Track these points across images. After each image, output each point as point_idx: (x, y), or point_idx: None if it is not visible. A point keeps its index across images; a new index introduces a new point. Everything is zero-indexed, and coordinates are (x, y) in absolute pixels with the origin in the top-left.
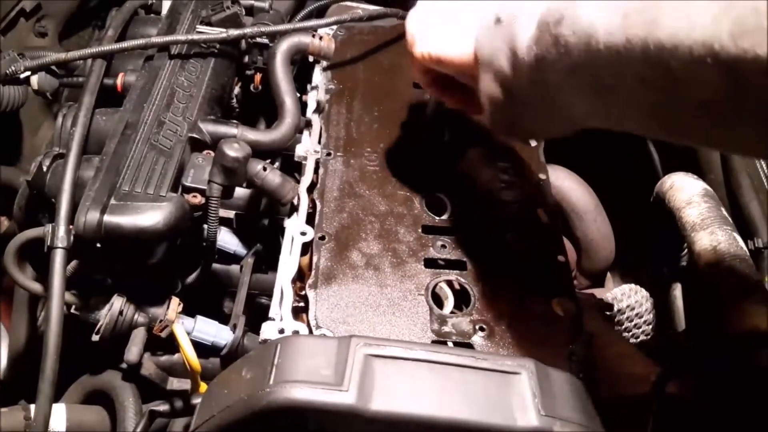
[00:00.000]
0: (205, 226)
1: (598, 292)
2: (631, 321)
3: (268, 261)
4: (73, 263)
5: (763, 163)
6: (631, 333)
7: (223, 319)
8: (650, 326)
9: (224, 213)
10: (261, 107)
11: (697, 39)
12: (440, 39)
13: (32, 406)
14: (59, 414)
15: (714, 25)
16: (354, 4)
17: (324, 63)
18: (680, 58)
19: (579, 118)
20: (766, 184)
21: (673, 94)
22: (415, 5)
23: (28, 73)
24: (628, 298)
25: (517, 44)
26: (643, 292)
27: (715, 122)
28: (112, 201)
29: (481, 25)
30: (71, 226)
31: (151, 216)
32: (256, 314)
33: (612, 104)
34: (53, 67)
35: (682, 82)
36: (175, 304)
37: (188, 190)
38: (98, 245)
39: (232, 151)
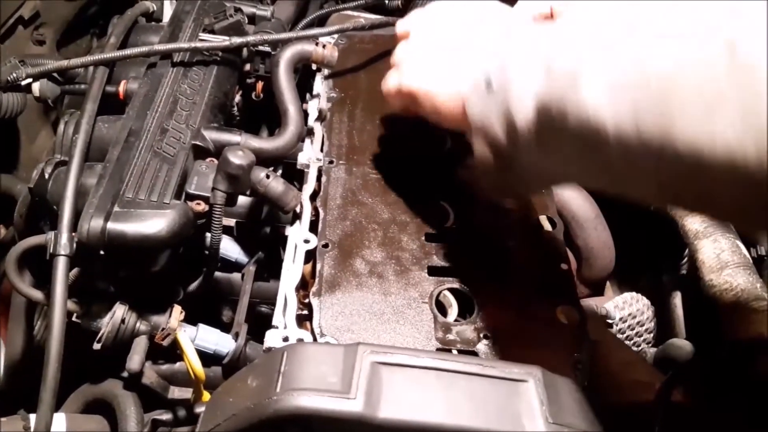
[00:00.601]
0: (208, 234)
1: (598, 301)
2: (633, 329)
3: (269, 269)
4: (75, 271)
5: None
6: (632, 341)
7: (224, 327)
8: (651, 334)
9: (226, 221)
10: (263, 116)
11: (720, 156)
12: (429, 80)
13: (32, 416)
14: (59, 423)
15: (739, 143)
16: (354, 14)
17: (325, 72)
18: (701, 172)
19: (581, 183)
20: None
21: (694, 199)
22: (409, 32)
23: (29, 80)
24: (629, 307)
25: (514, 119)
26: (644, 300)
27: (736, 219)
28: (116, 208)
29: (472, 86)
30: (74, 234)
31: (155, 223)
32: (257, 323)
33: (621, 182)
34: (55, 74)
35: (705, 196)
36: (178, 312)
37: (192, 197)
38: (101, 253)
39: (236, 158)
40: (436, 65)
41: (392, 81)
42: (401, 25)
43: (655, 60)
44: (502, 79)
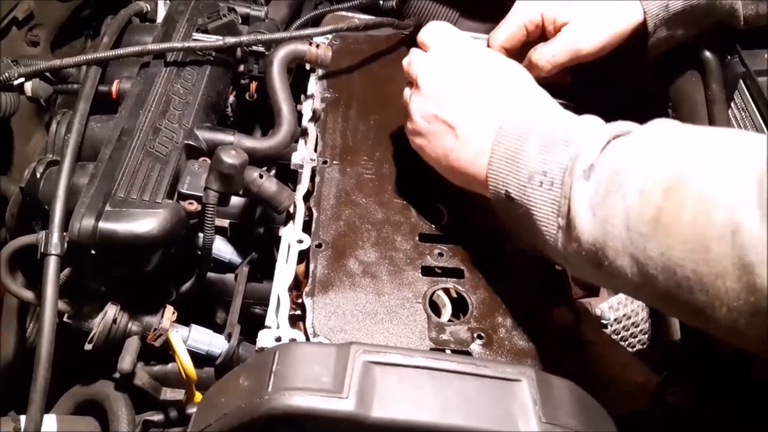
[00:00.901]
0: (201, 234)
1: (593, 301)
2: (627, 330)
3: (263, 270)
4: (66, 271)
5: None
6: (627, 342)
7: (217, 328)
8: (646, 335)
9: (218, 222)
10: (256, 116)
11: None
12: (460, 122)
13: (22, 418)
14: (49, 424)
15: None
16: (349, 14)
17: (319, 72)
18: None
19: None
20: None
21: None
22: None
23: (21, 79)
24: (624, 307)
25: (573, 229)
26: (639, 301)
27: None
28: (108, 207)
29: (516, 177)
30: (65, 233)
31: (147, 223)
32: (250, 324)
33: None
34: (47, 74)
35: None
36: (170, 312)
37: (184, 197)
38: (93, 252)
39: (229, 157)
40: (475, 108)
41: (422, 105)
42: (426, 36)
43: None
44: (563, 185)
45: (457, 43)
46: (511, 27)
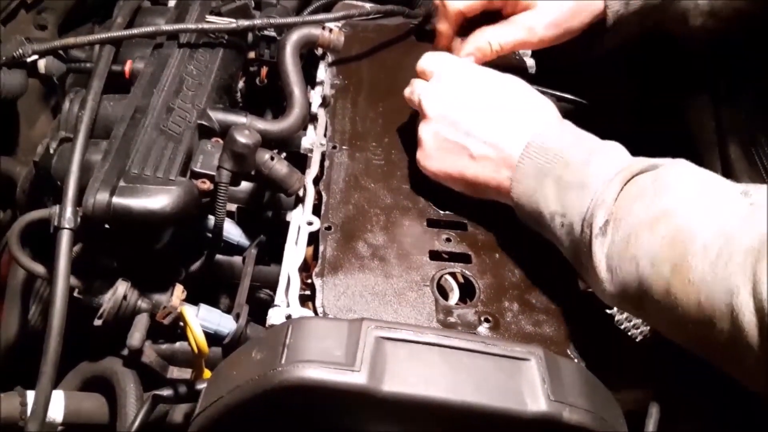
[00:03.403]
0: (211, 215)
1: None
2: (630, 321)
3: (270, 255)
4: (77, 246)
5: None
6: (630, 333)
7: (223, 311)
8: (648, 327)
9: (227, 206)
10: (266, 102)
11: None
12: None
13: (29, 393)
14: (57, 401)
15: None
16: (359, 2)
17: (329, 59)
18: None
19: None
20: None
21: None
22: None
23: (35, 56)
24: None
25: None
26: None
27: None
28: (121, 183)
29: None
30: (78, 208)
31: (161, 199)
32: (257, 308)
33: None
34: (60, 52)
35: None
36: (179, 291)
37: (197, 175)
38: (106, 227)
39: (243, 137)
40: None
41: (433, 130)
42: (426, 64)
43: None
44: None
45: (460, 68)
46: None
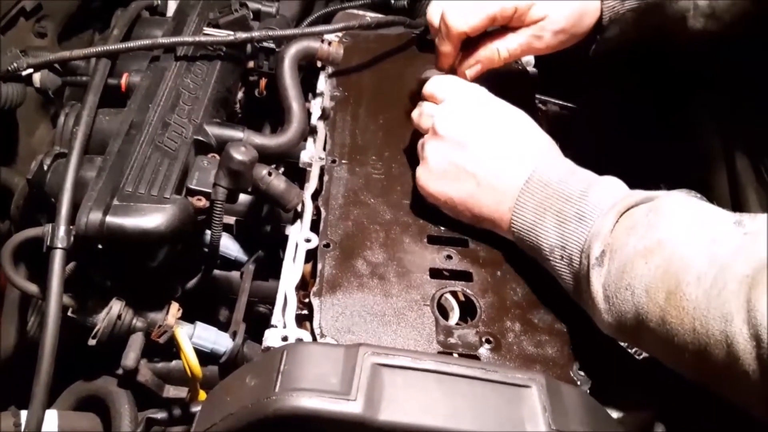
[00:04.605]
0: (208, 231)
1: None
2: None
3: (269, 269)
4: (71, 265)
5: None
6: (633, 350)
7: (222, 327)
8: None
9: (225, 219)
10: (265, 113)
11: None
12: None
13: (23, 413)
14: (50, 420)
15: None
16: (360, 12)
17: (329, 70)
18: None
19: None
20: None
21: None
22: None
23: (30, 70)
24: None
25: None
26: None
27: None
28: (115, 201)
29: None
30: (72, 226)
31: (155, 218)
32: (256, 323)
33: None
34: (56, 66)
35: None
36: (175, 309)
37: (193, 192)
38: (99, 246)
39: (239, 154)
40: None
41: (441, 151)
42: (435, 88)
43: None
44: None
45: (472, 94)
46: (481, 15)
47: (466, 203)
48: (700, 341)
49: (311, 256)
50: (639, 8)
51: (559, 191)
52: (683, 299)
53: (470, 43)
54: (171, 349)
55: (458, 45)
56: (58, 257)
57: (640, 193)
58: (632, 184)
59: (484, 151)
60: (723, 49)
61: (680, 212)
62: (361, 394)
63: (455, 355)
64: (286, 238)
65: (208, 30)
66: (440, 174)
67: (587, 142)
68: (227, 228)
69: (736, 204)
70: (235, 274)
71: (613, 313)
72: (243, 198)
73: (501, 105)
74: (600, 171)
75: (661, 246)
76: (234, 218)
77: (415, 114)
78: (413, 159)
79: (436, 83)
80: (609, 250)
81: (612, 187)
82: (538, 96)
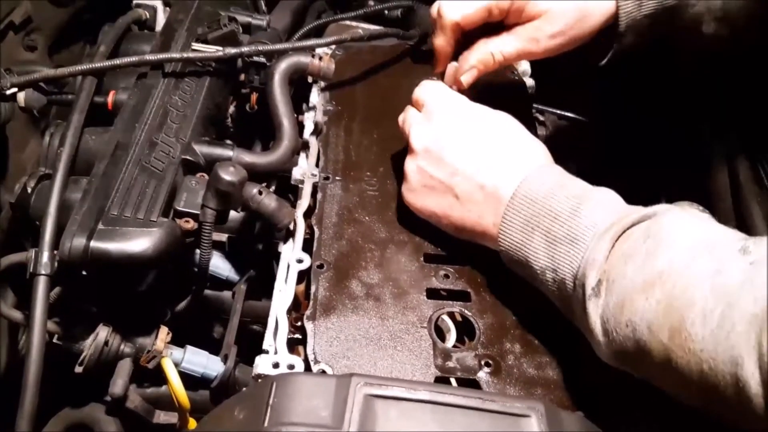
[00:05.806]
0: (197, 251)
1: None
2: None
3: (261, 287)
4: (57, 290)
5: None
6: None
7: (214, 346)
8: None
9: (216, 236)
10: (256, 127)
11: None
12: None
13: None
14: None
15: None
16: (353, 24)
17: (322, 83)
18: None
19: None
20: None
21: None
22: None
23: (14, 89)
24: None
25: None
26: None
27: None
28: (100, 226)
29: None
30: (55, 252)
31: (141, 242)
32: (249, 342)
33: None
34: (41, 84)
35: None
36: (164, 333)
37: (180, 214)
38: (84, 272)
39: (228, 174)
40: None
41: (417, 165)
42: (421, 93)
43: None
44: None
45: (453, 103)
46: (475, 5)
47: (449, 217)
48: (708, 382)
49: (303, 276)
50: (655, 14)
51: (546, 208)
52: (689, 340)
53: (466, 46)
54: (161, 373)
55: (452, 38)
56: (41, 284)
57: (636, 211)
58: (633, 190)
59: (460, 162)
60: (731, 59)
61: (681, 237)
62: (354, 428)
63: (453, 380)
64: (279, 255)
65: (196, 45)
66: (420, 188)
67: (587, 152)
68: (219, 245)
69: (739, 216)
70: (226, 294)
71: (614, 347)
72: (235, 214)
73: (484, 113)
74: (599, 179)
75: (662, 279)
76: (226, 235)
77: (400, 119)
78: None
79: (422, 88)
80: (605, 280)
81: (606, 202)
82: (535, 105)
